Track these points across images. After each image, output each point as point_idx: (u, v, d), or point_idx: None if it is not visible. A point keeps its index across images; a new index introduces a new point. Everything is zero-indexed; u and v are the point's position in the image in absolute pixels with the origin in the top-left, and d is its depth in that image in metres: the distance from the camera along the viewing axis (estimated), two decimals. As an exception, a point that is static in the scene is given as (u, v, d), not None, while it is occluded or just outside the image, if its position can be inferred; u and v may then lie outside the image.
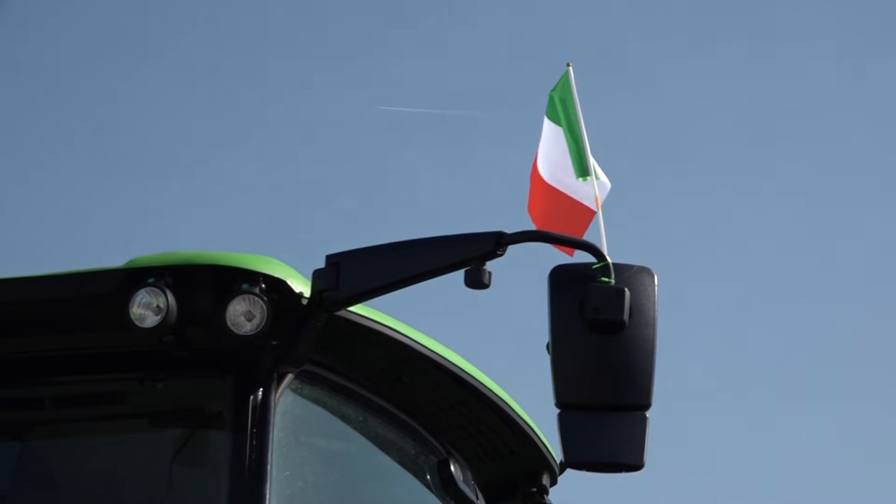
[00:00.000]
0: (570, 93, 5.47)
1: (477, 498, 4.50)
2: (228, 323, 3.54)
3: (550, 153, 5.79)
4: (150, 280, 3.55)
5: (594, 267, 3.49)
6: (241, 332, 3.54)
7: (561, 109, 5.82)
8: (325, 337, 3.80)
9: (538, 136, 7.61)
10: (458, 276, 3.64)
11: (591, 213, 5.88)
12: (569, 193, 6.19)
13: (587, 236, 3.80)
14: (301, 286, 3.67)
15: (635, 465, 3.45)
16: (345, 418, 4.10)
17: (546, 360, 3.49)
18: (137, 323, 3.51)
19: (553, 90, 5.86)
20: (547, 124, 5.75)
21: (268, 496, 3.54)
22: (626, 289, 3.45)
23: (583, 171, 5.30)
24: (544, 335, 3.51)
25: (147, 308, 3.52)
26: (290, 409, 3.79)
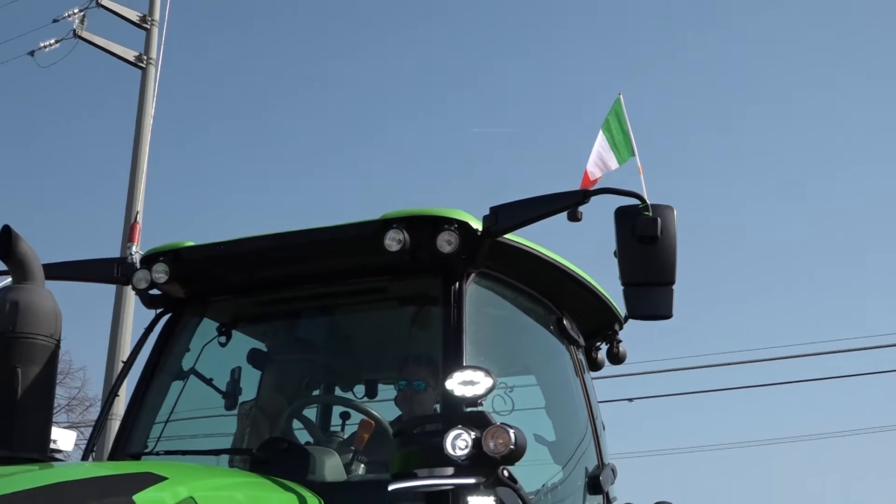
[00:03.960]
0: (622, 111, 4.91)
1: (578, 337, 4.78)
2: (438, 247, 3.92)
3: (595, 155, 5.28)
4: (395, 225, 3.93)
5: (640, 206, 3.73)
6: (445, 252, 3.91)
7: (615, 118, 5.29)
8: (492, 252, 4.08)
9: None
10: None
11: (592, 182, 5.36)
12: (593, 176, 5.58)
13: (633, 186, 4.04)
14: (477, 224, 3.96)
15: (668, 315, 3.74)
16: (504, 297, 4.36)
17: (614, 260, 3.77)
18: (388, 249, 3.91)
19: (610, 113, 5.30)
20: (600, 135, 5.25)
21: (465, 342, 3.86)
22: (658, 217, 3.71)
23: (630, 151, 5.03)
24: (612, 246, 3.79)
25: (393, 240, 3.91)
26: (474, 293, 4.08)
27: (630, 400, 20.68)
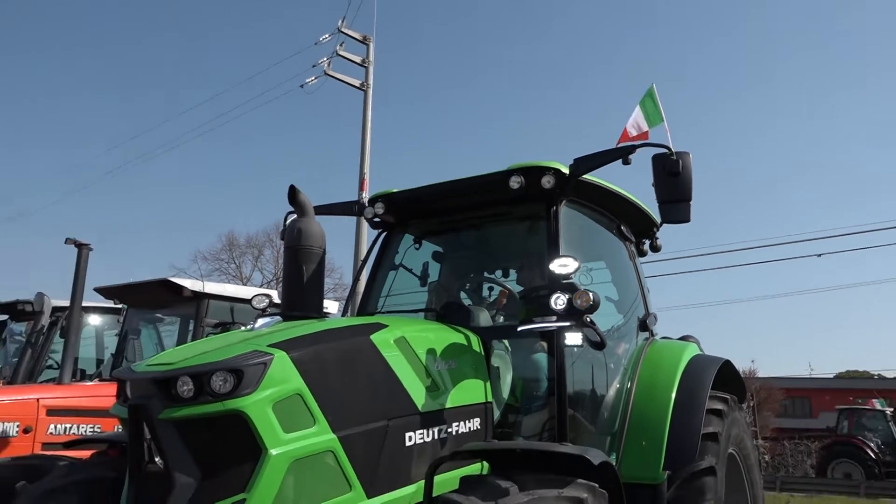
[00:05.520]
0: (655, 94, 4.76)
1: (631, 236, 4.64)
2: (542, 185, 3.81)
3: (633, 120, 4.79)
4: (516, 172, 3.82)
5: (668, 153, 3.58)
6: (546, 188, 3.80)
7: (649, 98, 4.90)
8: (576, 186, 3.93)
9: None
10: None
11: (635, 139, 4.68)
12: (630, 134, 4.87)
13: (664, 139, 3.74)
14: (566, 170, 3.83)
15: (687, 220, 3.58)
16: (584, 213, 4.21)
17: (652, 188, 3.64)
18: (512, 187, 3.82)
19: (645, 94, 4.71)
20: (637, 108, 4.75)
21: (560, 241, 3.79)
22: (680, 160, 3.54)
23: (659, 118, 4.56)
24: (650, 178, 3.64)
25: (515, 182, 3.82)
26: (565, 212, 3.92)
27: (818, 255, 19.45)
